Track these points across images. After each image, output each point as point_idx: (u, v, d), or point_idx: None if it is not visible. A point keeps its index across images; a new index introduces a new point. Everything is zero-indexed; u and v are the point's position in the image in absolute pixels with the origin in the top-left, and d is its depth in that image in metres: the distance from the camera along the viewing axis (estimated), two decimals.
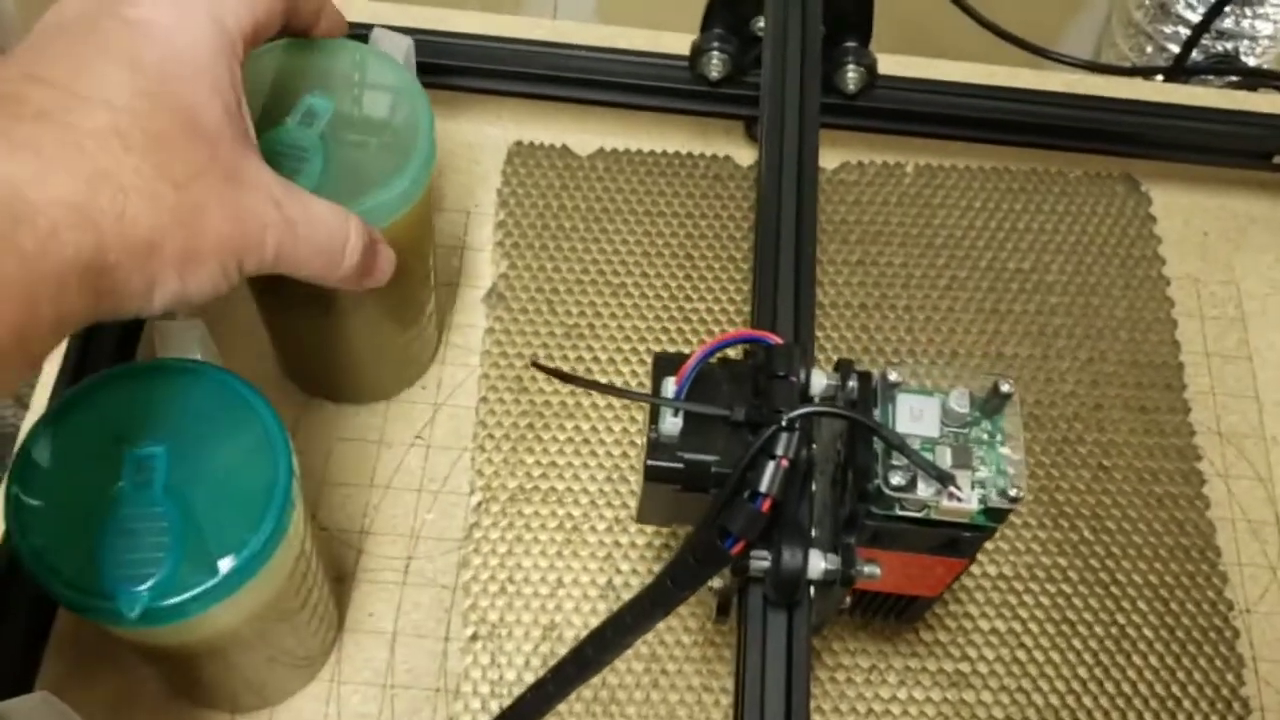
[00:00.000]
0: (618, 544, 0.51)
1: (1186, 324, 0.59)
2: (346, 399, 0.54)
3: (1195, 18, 0.93)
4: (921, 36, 0.87)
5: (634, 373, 0.55)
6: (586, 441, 0.53)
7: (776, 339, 0.36)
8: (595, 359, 0.56)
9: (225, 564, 0.35)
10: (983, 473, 0.37)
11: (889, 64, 0.60)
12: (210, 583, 0.34)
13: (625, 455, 0.53)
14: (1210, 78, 0.86)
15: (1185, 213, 0.63)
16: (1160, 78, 0.82)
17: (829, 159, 0.61)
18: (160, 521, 0.35)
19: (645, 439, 0.37)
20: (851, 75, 0.58)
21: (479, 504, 0.52)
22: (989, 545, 0.51)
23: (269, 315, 0.51)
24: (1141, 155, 0.62)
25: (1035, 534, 0.52)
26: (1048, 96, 0.61)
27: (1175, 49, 0.92)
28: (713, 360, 0.37)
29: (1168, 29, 0.96)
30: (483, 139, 0.62)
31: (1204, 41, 0.90)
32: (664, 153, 0.62)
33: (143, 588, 0.34)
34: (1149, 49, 0.98)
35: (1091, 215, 0.62)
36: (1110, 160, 0.63)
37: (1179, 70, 0.83)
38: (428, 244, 0.49)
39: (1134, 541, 0.52)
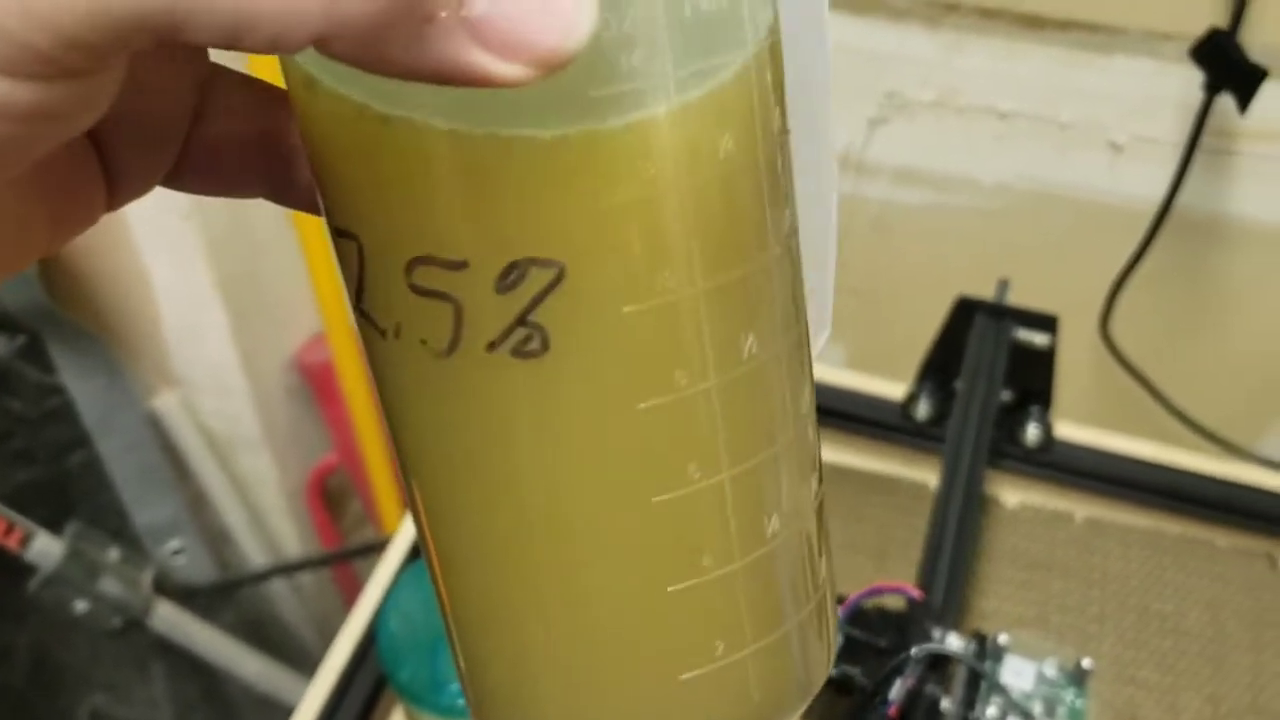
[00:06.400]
0: None
1: None
2: None
3: None
4: (1115, 418, 1.00)
5: None
6: None
7: (917, 593, 0.50)
8: None
9: None
10: None
11: (1069, 430, 0.74)
12: None
13: None
14: None
15: None
16: None
17: (1010, 498, 0.75)
18: None
19: None
20: (1032, 432, 0.73)
21: None
22: None
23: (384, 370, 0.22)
24: None
25: None
26: (1206, 478, 0.73)
27: None
28: (869, 604, 0.51)
29: None
30: None
31: None
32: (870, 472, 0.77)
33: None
34: None
35: (1229, 582, 0.72)
36: (1254, 540, 0.74)
37: None
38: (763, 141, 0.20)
39: None
